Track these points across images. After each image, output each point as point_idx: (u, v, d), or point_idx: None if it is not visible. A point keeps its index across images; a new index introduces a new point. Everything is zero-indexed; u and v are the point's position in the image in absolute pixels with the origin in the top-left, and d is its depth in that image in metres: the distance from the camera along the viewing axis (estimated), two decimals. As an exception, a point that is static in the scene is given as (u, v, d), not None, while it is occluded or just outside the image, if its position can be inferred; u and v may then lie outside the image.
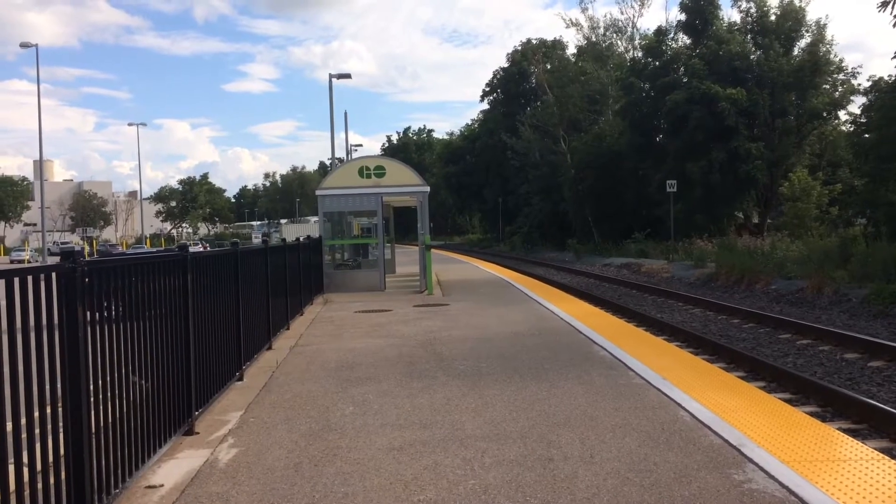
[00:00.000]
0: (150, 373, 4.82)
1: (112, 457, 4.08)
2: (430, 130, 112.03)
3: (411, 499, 4.25)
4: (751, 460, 4.75)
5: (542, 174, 52.80)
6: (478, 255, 44.73)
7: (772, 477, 4.44)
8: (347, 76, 30.15)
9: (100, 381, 3.95)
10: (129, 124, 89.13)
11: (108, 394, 4.10)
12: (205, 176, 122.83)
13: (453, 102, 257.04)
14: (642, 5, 49.74)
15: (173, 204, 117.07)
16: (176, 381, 5.33)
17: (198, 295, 6.00)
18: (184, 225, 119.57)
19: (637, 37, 50.08)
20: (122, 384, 4.30)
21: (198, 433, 5.68)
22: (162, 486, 4.55)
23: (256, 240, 73.98)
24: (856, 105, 34.60)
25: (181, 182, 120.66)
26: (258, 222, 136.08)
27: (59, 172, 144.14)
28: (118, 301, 4.43)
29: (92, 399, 3.83)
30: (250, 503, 4.25)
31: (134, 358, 4.55)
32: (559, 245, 49.27)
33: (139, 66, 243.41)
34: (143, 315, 4.79)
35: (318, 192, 18.10)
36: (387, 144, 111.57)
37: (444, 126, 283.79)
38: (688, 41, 41.51)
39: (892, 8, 20.01)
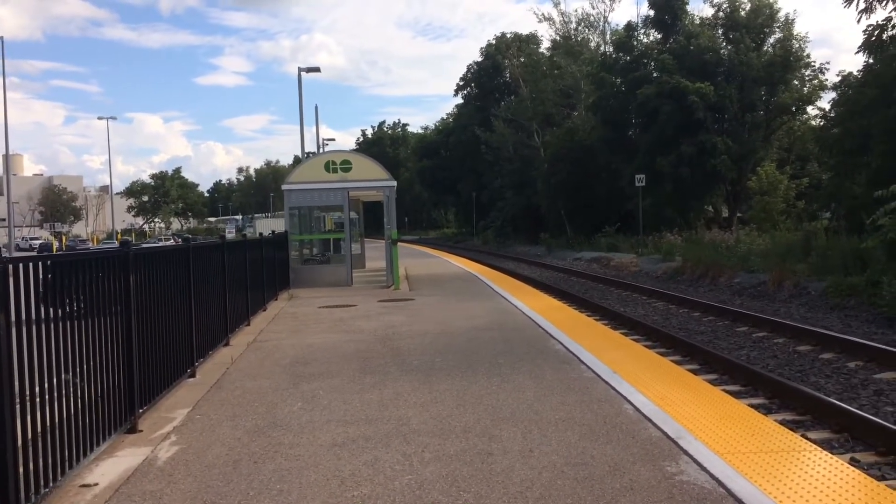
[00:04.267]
0: (87, 371, 4.78)
1: (42, 455, 4.05)
2: (405, 125, 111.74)
3: (345, 495, 4.27)
4: (686, 452, 4.83)
5: (516, 168, 52.97)
6: (451, 250, 44.77)
7: (704, 469, 4.51)
8: (316, 70, 30.01)
9: (26, 381, 3.92)
10: (100, 118, 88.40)
11: (38, 393, 4.06)
12: (177, 170, 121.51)
13: (428, 96, 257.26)
14: (613, 0, 50.01)
15: (145, 199, 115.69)
16: (116, 380, 5.29)
17: (142, 292, 5.95)
18: (156, 220, 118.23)
19: (608, 32, 50.36)
20: (55, 383, 4.26)
21: (141, 431, 5.64)
22: (97, 484, 4.53)
23: (230, 234, 73.40)
24: (824, 100, 35.15)
25: (153, 176, 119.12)
26: (240, 216, 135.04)
27: (29, 167, 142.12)
28: (51, 299, 4.39)
29: (18, 399, 3.80)
30: (183, 500, 4.24)
31: (68, 357, 4.51)
32: (532, 239, 49.45)
33: (108, 59, 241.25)
34: (79, 313, 4.75)
35: (283, 187, 18.02)
36: (361, 139, 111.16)
37: (419, 120, 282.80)
38: (658, 36, 41.78)
39: (858, 3, 20.33)
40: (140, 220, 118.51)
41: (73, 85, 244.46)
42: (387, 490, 4.33)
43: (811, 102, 37.49)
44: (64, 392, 4.40)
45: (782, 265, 18.49)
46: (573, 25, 52.72)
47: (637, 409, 5.88)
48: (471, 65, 71.52)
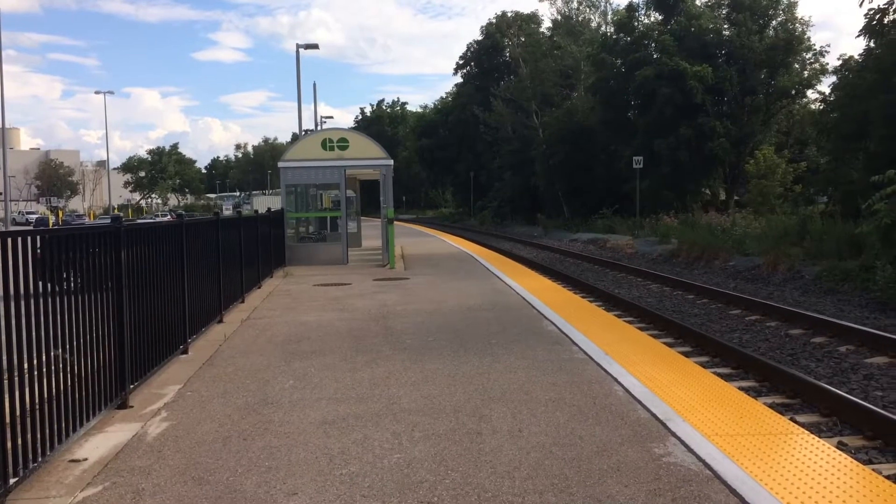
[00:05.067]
0: (78, 347, 4.78)
1: (32, 430, 4.06)
2: (404, 103, 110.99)
3: (333, 473, 4.29)
4: (674, 434, 4.85)
5: (514, 149, 52.84)
6: (448, 230, 44.75)
7: (691, 451, 4.54)
8: (315, 47, 29.76)
9: (14, 356, 3.92)
10: (97, 92, 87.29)
11: (28, 368, 4.07)
12: (175, 146, 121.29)
13: (427, 75, 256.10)
14: (615, -20, 49.65)
15: (142, 174, 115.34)
16: (108, 356, 5.30)
17: (135, 268, 5.94)
18: (153, 196, 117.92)
19: (609, 12, 50.04)
20: (43, 359, 4.26)
21: (132, 407, 5.66)
22: (86, 459, 4.54)
23: (227, 211, 73.20)
24: (825, 84, 35.05)
25: (150, 152, 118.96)
26: (241, 193, 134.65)
27: (26, 141, 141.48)
28: (43, 273, 4.38)
29: (7, 375, 3.80)
30: (172, 476, 4.25)
31: (59, 332, 4.50)
32: (529, 220, 49.43)
33: (107, 33, 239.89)
34: (71, 288, 4.75)
35: (280, 164, 17.95)
36: (360, 117, 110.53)
37: (418, 99, 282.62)
38: (659, 17, 41.54)
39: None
40: (137, 196, 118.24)
41: (71, 58, 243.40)
42: (375, 468, 4.35)
43: (811, 86, 37.41)
44: (54, 367, 4.41)
45: (777, 249, 18.53)
46: (574, 5, 52.49)
47: (627, 391, 5.90)
48: (471, 44, 71.19)
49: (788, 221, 21.39)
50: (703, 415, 5.23)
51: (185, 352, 7.59)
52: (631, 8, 42.67)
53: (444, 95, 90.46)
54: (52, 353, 4.39)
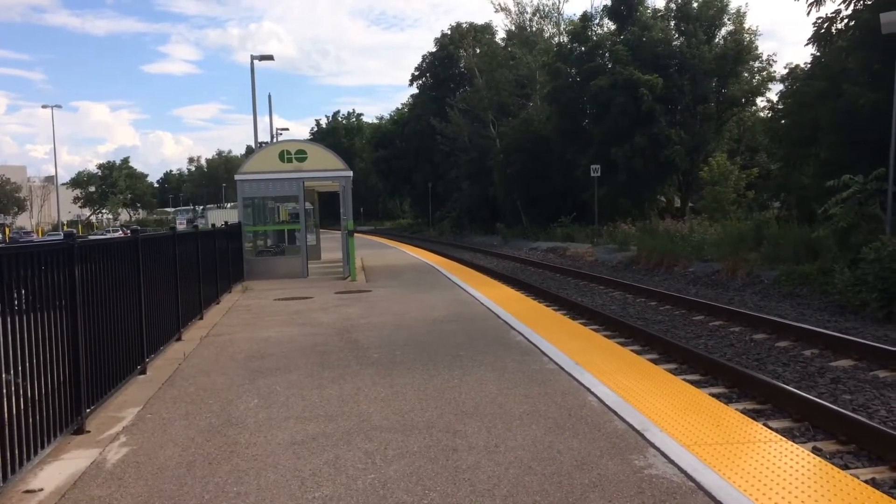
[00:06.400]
0: (30, 370, 4.52)
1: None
2: (360, 115, 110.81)
3: (306, 496, 4.10)
4: (653, 445, 4.77)
5: (472, 159, 52.92)
6: (407, 241, 44.58)
7: (671, 462, 4.46)
8: (270, 58, 29.36)
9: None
10: (44, 106, 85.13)
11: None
12: (125, 160, 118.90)
13: (382, 86, 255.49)
14: (567, -10, 50.19)
15: (92, 189, 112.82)
16: (62, 378, 5.03)
17: (89, 286, 5.67)
18: (103, 211, 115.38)
19: (563, 22, 50.54)
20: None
21: (89, 432, 5.39)
22: (42, 490, 4.28)
23: (181, 225, 71.85)
24: (773, 92, 35.83)
25: (100, 167, 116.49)
26: (194, 207, 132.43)
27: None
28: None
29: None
30: (134, 507, 4.03)
31: (9, 355, 4.25)
32: (488, 229, 49.52)
33: (53, 47, 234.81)
34: (22, 308, 4.49)
35: (237, 177, 17.63)
36: (316, 129, 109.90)
37: (374, 110, 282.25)
38: (612, 27, 42.06)
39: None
40: (87, 212, 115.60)
41: (16, 72, 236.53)
42: (349, 490, 4.17)
43: (760, 94, 38.21)
44: (4, 392, 4.15)
45: (735, 254, 18.75)
46: (528, 15, 52.86)
47: (601, 401, 5.81)
48: (426, 55, 71.33)
49: (744, 227, 21.68)
50: (680, 424, 5.17)
51: (143, 372, 7.30)
52: (585, 17, 43.14)
53: (400, 106, 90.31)
54: (3, 378, 4.14)
